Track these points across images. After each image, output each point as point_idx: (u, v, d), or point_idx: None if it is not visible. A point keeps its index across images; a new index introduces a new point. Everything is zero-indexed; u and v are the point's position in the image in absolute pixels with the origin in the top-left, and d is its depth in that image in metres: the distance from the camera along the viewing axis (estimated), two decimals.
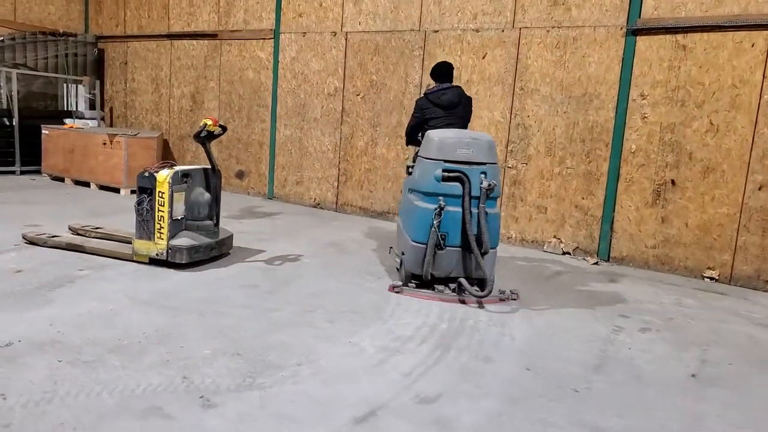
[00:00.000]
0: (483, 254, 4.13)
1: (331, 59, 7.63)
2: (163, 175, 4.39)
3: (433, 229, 4.11)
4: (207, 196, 4.79)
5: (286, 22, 7.99)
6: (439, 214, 4.11)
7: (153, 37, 9.47)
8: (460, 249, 4.22)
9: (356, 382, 2.81)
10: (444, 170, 4.15)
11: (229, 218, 6.58)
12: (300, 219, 7.03)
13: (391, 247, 5.23)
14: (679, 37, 5.34)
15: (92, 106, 9.74)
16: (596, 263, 5.75)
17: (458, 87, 4.94)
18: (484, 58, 6.46)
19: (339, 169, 7.70)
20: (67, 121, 9.11)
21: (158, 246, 4.42)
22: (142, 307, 3.60)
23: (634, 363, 3.29)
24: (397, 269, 4.68)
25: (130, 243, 4.68)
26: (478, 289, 4.15)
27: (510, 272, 5.16)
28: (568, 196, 6.04)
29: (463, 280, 4.17)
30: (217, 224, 4.86)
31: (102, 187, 8.08)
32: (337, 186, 7.75)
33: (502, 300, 4.22)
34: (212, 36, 8.74)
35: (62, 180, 8.48)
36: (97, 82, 9.84)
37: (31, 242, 4.85)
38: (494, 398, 2.75)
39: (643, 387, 3.00)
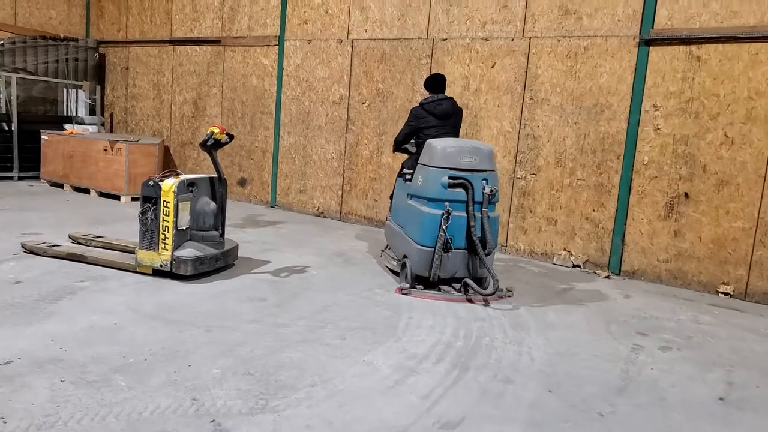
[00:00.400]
0: (486, 255, 4.42)
1: (336, 67, 7.54)
2: (169, 184, 4.27)
3: (440, 233, 4.34)
4: (213, 205, 4.67)
5: (291, 29, 7.91)
6: (447, 219, 4.33)
7: (155, 43, 9.37)
8: (464, 251, 4.48)
9: (373, 405, 2.68)
10: (449, 177, 4.40)
11: (233, 227, 6.46)
12: (304, 228, 6.91)
13: (383, 251, 5.46)
14: (693, 48, 5.27)
15: (92, 112, 9.62)
16: (607, 277, 5.64)
17: (451, 98, 5.29)
18: (493, 67, 6.38)
19: (343, 178, 7.59)
20: (67, 126, 8.99)
21: (162, 257, 4.29)
22: (146, 321, 3.46)
23: (658, 385, 3.17)
24: (390, 270, 5.05)
25: (133, 253, 4.56)
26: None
27: (520, 284, 5.05)
28: (578, 207, 5.94)
29: (469, 281, 4.44)
30: (222, 234, 4.74)
31: (102, 194, 7.95)
32: (342, 195, 7.63)
33: (500, 297, 4.53)
34: (215, 42, 8.65)
35: (61, 186, 8.34)
36: (98, 88, 9.72)
37: (31, 251, 4.71)
38: (519, 423, 2.62)
39: (668, 410, 2.88)
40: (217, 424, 2.40)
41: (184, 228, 4.41)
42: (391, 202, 5.64)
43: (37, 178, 8.69)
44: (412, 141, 5.37)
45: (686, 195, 5.38)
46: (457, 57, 6.60)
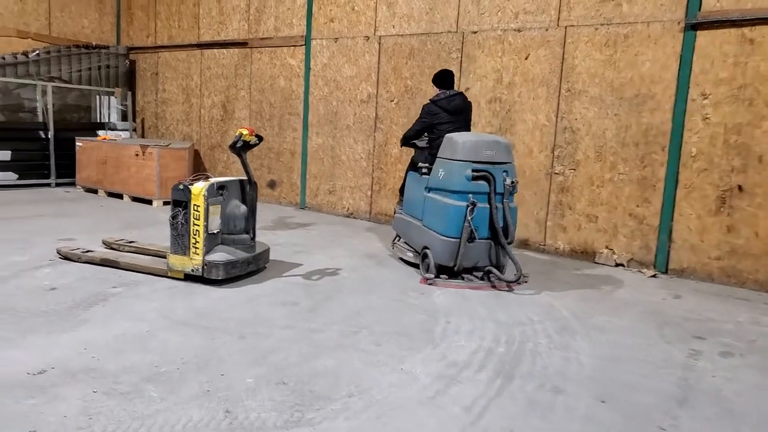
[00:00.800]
0: (509, 244, 4.64)
1: (363, 65, 7.41)
2: (198, 188, 4.20)
3: (465, 224, 4.49)
4: (243, 208, 4.58)
5: (317, 27, 7.81)
6: (472, 210, 4.48)
7: (183, 47, 9.41)
8: (487, 240, 4.64)
9: (414, 417, 2.53)
10: (473, 170, 4.54)
11: (263, 229, 6.38)
12: (334, 229, 6.80)
13: (393, 243, 5.59)
14: (746, 30, 4.95)
15: (124, 118, 9.73)
16: (654, 276, 5.36)
17: (462, 93, 5.46)
18: (527, 59, 6.15)
19: (372, 178, 7.46)
20: (100, 132, 9.10)
21: (194, 261, 4.23)
22: (178, 328, 3.39)
23: (722, 395, 2.93)
24: (404, 261, 5.24)
25: (165, 257, 4.51)
26: (515, 274, 4.57)
27: (562, 285, 4.83)
28: (620, 203, 5.67)
29: (492, 268, 4.64)
30: (253, 238, 4.65)
31: (134, 199, 8.00)
32: (371, 195, 7.50)
33: (518, 283, 4.61)
34: (242, 44, 8.62)
35: (95, 192, 8.44)
36: (129, 94, 9.82)
37: (65, 257, 4.72)
38: None
39: (738, 424, 2.64)
40: None
41: (215, 232, 4.34)
42: (400, 196, 5.72)
43: (73, 184, 8.81)
44: (423, 136, 5.46)
45: (740, 188, 5.07)
46: (489, 50, 6.39)
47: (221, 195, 4.40)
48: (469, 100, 5.49)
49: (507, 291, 4.54)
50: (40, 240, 5.33)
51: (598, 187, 5.78)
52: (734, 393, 2.95)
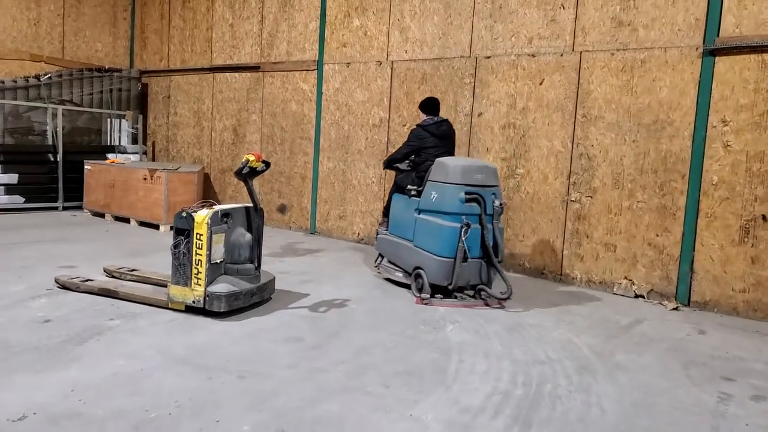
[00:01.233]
0: (499, 262, 4.86)
1: (376, 89, 7.32)
2: (202, 216, 4.07)
3: (460, 244, 4.68)
4: (248, 237, 4.43)
5: (329, 52, 7.76)
6: (467, 231, 4.68)
7: (195, 71, 9.41)
8: (479, 260, 4.85)
9: None
10: (467, 193, 4.75)
11: (270, 256, 6.24)
12: (343, 256, 6.63)
13: (378, 265, 5.72)
14: (767, 56, 4.77)
15: (135, 141, 9.71)
16: (676, 308, 5.11)
17: (447, 120, 5.65)
18: (541, 84, 6.01)
19: (384, 203, 7.29)
20: (110, 155, 9.07)
21: (195, 293, 4.07)
22: (175, 366, 3.21)
23: None
24: (391, 281, 5.41)
25: (166, 287, 4.36)
26: (501, 292, 4.80)
27: (580, 319, 4.60)
28: (639, 232, 5.45)
29: (484, 287, 4.90)
30: (258, 267, 4.49)
31: (142, 224, 7.90)
32: None
33: (502, 300, 4.80)
34: (254, 68, 8.59)
35: (103, 216, 8.36)
36: (141, 117, 9.82)
37: (64, 287, 4.58)
38: None
39: None
40: None
41: (218, 261, 4.19)
42: (384, 217, 5.85)
43: (80, 208, 8.75)
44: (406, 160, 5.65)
45: (764, 217, 4.84)
46: (503, 75, 6.26)
47: (225, 223, 4.26)
48: (453, 127, 5.73)
49: (499, 308, 4.77)
50: (40, 267, 5.21)
51: (616, 215, 5.57)
52: None
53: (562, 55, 5.87)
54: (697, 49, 5.09)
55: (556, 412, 2.94)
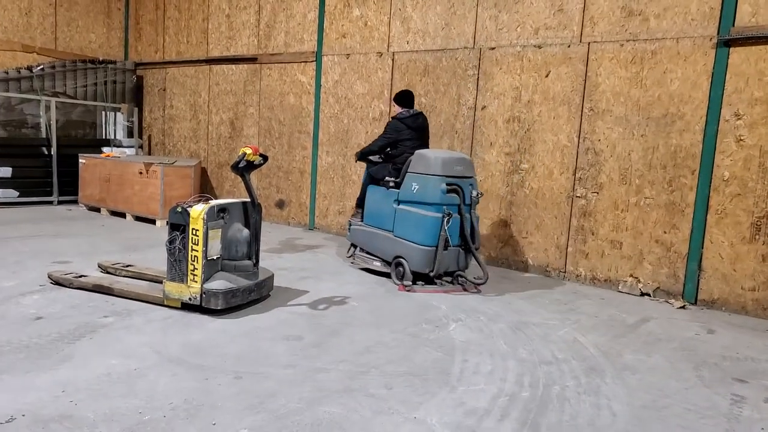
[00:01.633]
0: (476, 249, 5.11)
1: (376, 81, 7.18)
2: (198, 211, 3.93)
3: (442, 233, 4.87)
4: (246, 232, 4.30)
5: (328, 43, 7.61)
6: (448, 221, 4.86)
7: (191, 63, 9.25)
8: (458, 248, 5.06)
9: None
10: (447, 184, 4.91)
11: (269, 252, 6.11)
12: (343, 252, 6.48)
13: (353, 254, 5.81)
14: None
15: (130, 134, 9.56)
16: (683, 307, 5.00)
17: (422, 112, 5.85)
18: (547, 76, 5.87)
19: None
20: (105, 149, 8.91)
21: (191, 290, 3.94)
22: (170, 366, 3.09)
23: None
24: (368, 270, 5.54)
25: (161, 283, 4.23)
26: (477, 277, 5.08)
27: (586, 318, 4.48)
28: (646, 229, 5.33)
29: (462, 273, 5.17)
30: (256, 264, 4.36)
31: (138, 218, 7.77)
32: None
33: (477, 285, 5.09)
34: (252, 60, 8.44)
35: (98, 210, 8.22)
36: (136, 110, 9.66)
37: (57, 282, 4.45)
38: None
39: None
40: None
41: (215, 258, 4.06)
42: (357, 208, 5.95)
43: (75, 202, 8.61)
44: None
45: None
46: (507, 66, 6.12)
47: (222, 218, 4.12)
48: (427, 120, 5.86)
49: (475, 292, 5.03)
50: (34, 263, 5.07)
51: (623, 211, 5.45)
52: None
53: (569, 47, 5.73)
54: (710, 39, 4.96)
55: (565, 415, 2.82)
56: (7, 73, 8.42)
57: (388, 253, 5.29)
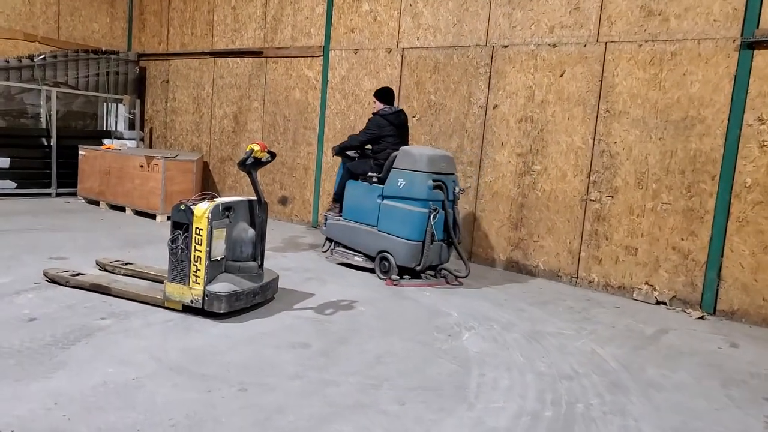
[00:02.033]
0: (458, 243, 5.28)
1: (385, 78, 6.99)
2: (202, 209, 3.75)
3: (428, 228, 4.99)
4: (251, 232, 4.13)
5: (336, 38, 7.42)
6: (435, 216, 5.00)
7: (196, 55, 9.05)
8: (441, 242, 5.19)
9: None
10: (434, 180, 5.03)
11: (272, 251, 5.93)
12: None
13: (330, 249, 5.82)
14: None
15: (132, 126, 9.37)
16: (701, 317, 4.83)
17: (403, 110, 5.89)
18: (561, 76, 5.69)
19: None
20: (106, 141, 8.73)
21: (193, 292, 3.77)
22: (170, 375, 2.91)
23: None
24: (347, 265, 5.56)
25: (162, 283, 4.06)
26: (457, 271, 5.28)
27: (603, 327, 4.32)
28: (663, 235, 5.16)
29: (446, 266, 5.33)
30: (261, 265, 4.19)
31: (137, 213, 7.59)
32: None
33: (461, 278, 5.25)
34: (257, 53, 8.25)
35: (97, 204, 8.04)
36: (138, 102, 9.47)
37: (53, 280, 4.27)
38: None
39: None
40: None
41: (219, 258, 3.88)
42: (335, 203, 5.93)
43: (74, 194, 8.42)
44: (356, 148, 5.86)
45: None
46: (521, 65, 5.94)
47: (227, 217, 3.95)
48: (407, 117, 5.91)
49: (457, 285, 5.19)
50: (30, 258, 4.90)
51: (639, 216, 5.28)
52: None
53: (585, 46, 5.55)
54: (734, 41, 4.78)
55: None
56: (7, 61, 8.22)
57: (372, 247, 5.33)
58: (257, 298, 4.04)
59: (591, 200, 5.55)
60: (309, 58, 7.72)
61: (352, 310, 4.28)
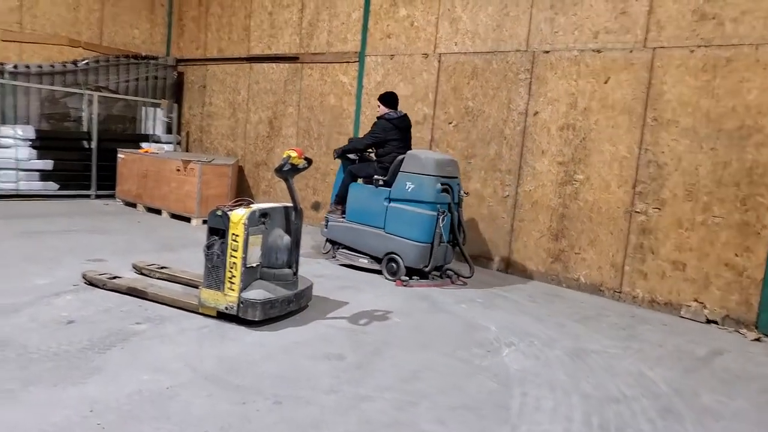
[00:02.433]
0: (463, 245, 5.44)
1: (421, 83, 6.90)
2: (238, 215, 3.71)
3: (437, 230, 5.17)
4: (287, 239, 4.07)
5: (372, 43, 7.36)
6: (443, 218, 5.17)
7: (232, 60, 9.13)
8: (447, 243, 5.38)
9: None
10: (441, 183, 5.20)
11: (305, 257, 5.83)
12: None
13: (332, 251, 5.91)
14: None
15: (169, 130, 9.49)
16: (758, 339, 4.56)
17: (406, 114, 5.98)
18: (606, 83, 5.50)
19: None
20: (144, 144, 8.85)
21: (228, 298, 3.72)
22: (205, 385, 2.86)
23: None
24: (350, 266, 5.66)
25: (197, 287, 4.03)
26: (455, 271, 5.45)
27: (651, 347, 4.11)
28: (714, 251, 4.91)
29: (451, 267, 5.49)
30: (296, 272, 4.12)
31: (173, 216, 7.65)
32: None
33: (465, 279, 5.40)
34: (293, 59, 8.25)
35: (134, 206, 8.15)
36: (175, 106, 9.59)
37: (90, 283, 4.30)
38: None
39: None
40: None
41: (254, 265, 3.83)
42: (338, 205, 5.96)
43: (112, 196, 8.56)
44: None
45: None
46: (563, 71, 5.77)
47: (263, 223, 3.90)
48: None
49: (461, 285, 5.34)
50: (69, 260, 4.95)
51: (688, 230, 5.04)
52: None
53: (631, 52, 5.35)
54: None
55: None
56: (53, 66, 8.43)
57: (379, 249, 5.45)
58: (291, 306, 3.98)
59: (636, 212, 5.32)
60: (344, 63, 7.69)
61: (387, 320, 4.18)
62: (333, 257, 5.88)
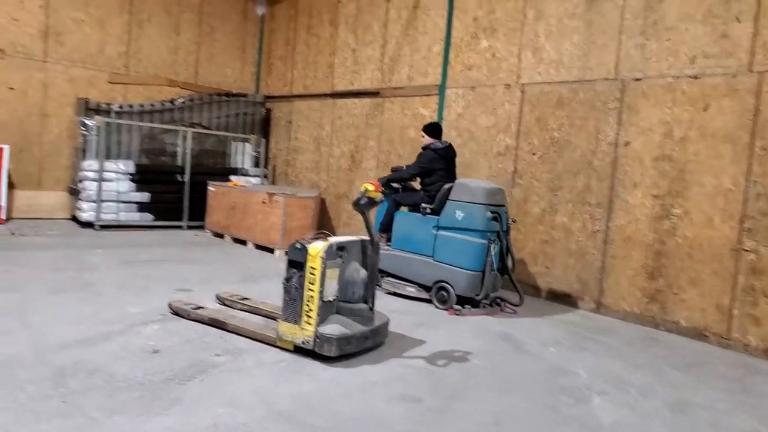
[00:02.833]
0: (512, 272, 5.48)
1: (503, 114, 6.75)
2: (316, 248, 3.72)
3: (488, 258, 5.20)
4: (363, 273, 4.03)
5: (453, 76, 7.33)
6: (494, 246, 5.22)
7: (317, 96, 9.43)
8: (496, 271, 5.36)
9: None
10: (491, 212, 5.27)
11: (379, 291, 5.81)
12: None
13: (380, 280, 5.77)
14: None
15: (256, 164, 9.89)
16: None
17: (451, 143, 6.12)
18: (705, 110, 5.10)
19: None
20: (233, 178, 9.27)
21: (305, 332, 3.71)
22: (279, 423, 2.82)
23: None
24: (399, 294, 5.68)
25: (275, 320, 4.06)
26: (500, 299, 5.50)
27: (762, 400, 3.63)
28: None
29: (500, 296, 5.50)
30: (372, 308, 4.05)
31: (258, 246, 7.89)
32: None
33: (515, 307, 5.47)
34: (374, 94, 8.39)
35: (222, 237, 8.49)
36: (263, 141, 10.01)
37: (176, 313, 4.45)
38: None
39: None
40: None
41: (331, 299, 3.81)
42: (383, 233, 5.97)
43: (202, 227, 8.98)
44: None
45: None
46: (656, 99, 5.42)
47: (340, 257, 3.88)
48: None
49: (511, 312, 5.39)
50: (159, 288, 5.19)
51: None
52: None
53: (734, 77, 4.94)
54: None
55: None
56: (153, 105, 9.09)
57: (428, 277, 5.48)
58: (368, 342, 3.91)
59: (745, 250, 4.83)
60: (425, 96, 7.70)
61: (466, 362, 3.99)
62: (378, 286, 5.70)
